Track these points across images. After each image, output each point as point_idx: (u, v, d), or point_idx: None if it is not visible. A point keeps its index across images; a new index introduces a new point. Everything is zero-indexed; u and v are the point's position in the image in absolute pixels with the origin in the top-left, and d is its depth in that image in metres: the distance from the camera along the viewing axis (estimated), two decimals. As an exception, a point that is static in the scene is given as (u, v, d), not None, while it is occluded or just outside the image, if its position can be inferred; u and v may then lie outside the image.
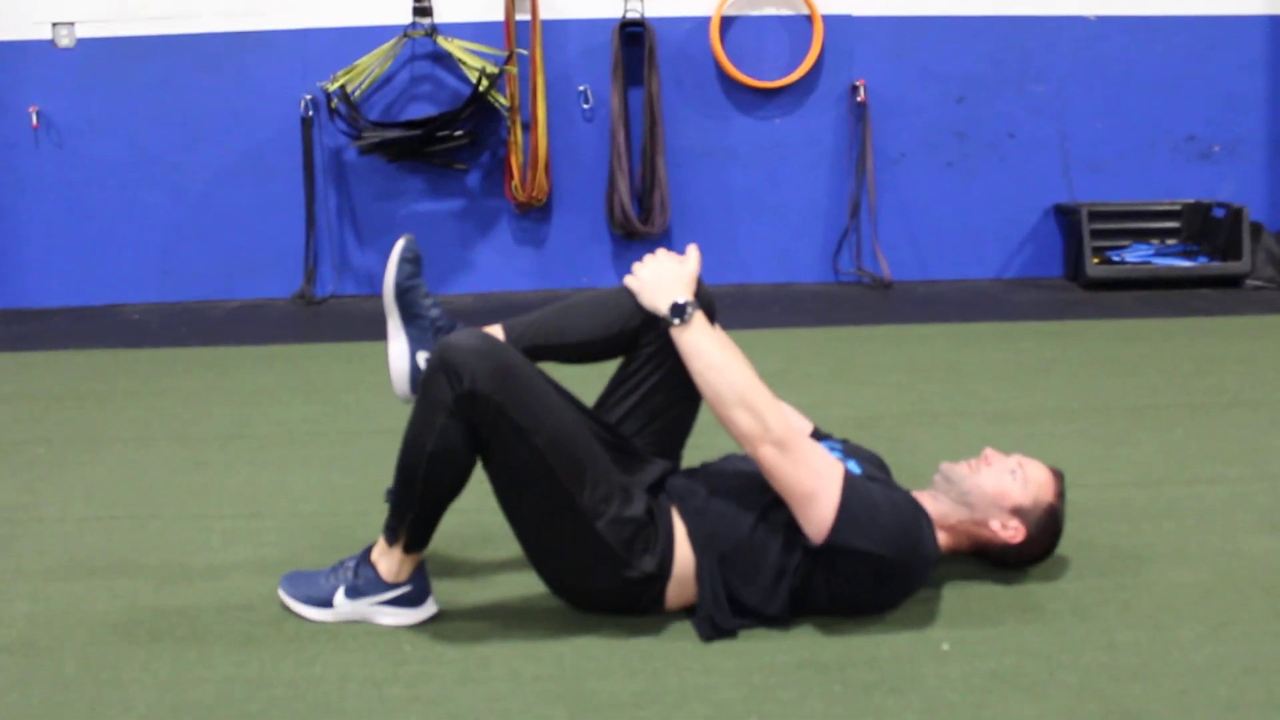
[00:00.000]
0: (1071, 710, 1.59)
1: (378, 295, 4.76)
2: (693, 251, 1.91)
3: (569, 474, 1.72)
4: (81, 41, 4.97)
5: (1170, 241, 5.12)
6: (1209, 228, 5.03)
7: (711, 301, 1.91)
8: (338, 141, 5.00)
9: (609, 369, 2.00)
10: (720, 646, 1.77)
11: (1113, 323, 4.24)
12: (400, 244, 1.88)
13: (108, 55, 4.97)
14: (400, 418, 1.79)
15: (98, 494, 2.56)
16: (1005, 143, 5.16)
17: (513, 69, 4.83)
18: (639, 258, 1.93)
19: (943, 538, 1.90)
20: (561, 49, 4.99)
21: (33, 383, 3.69)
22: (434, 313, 1.91)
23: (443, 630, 1.84)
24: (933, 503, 1.90)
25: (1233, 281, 4.88)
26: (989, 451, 1.95)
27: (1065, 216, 5.16)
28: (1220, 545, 2.14)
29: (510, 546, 1.97)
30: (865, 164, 5.05)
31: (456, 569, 2.07)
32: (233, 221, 5.09)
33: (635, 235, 5.02)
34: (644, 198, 5.01)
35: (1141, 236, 5.11)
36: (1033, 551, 1.94)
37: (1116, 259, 4.98)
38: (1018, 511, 1.89)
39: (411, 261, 1.89)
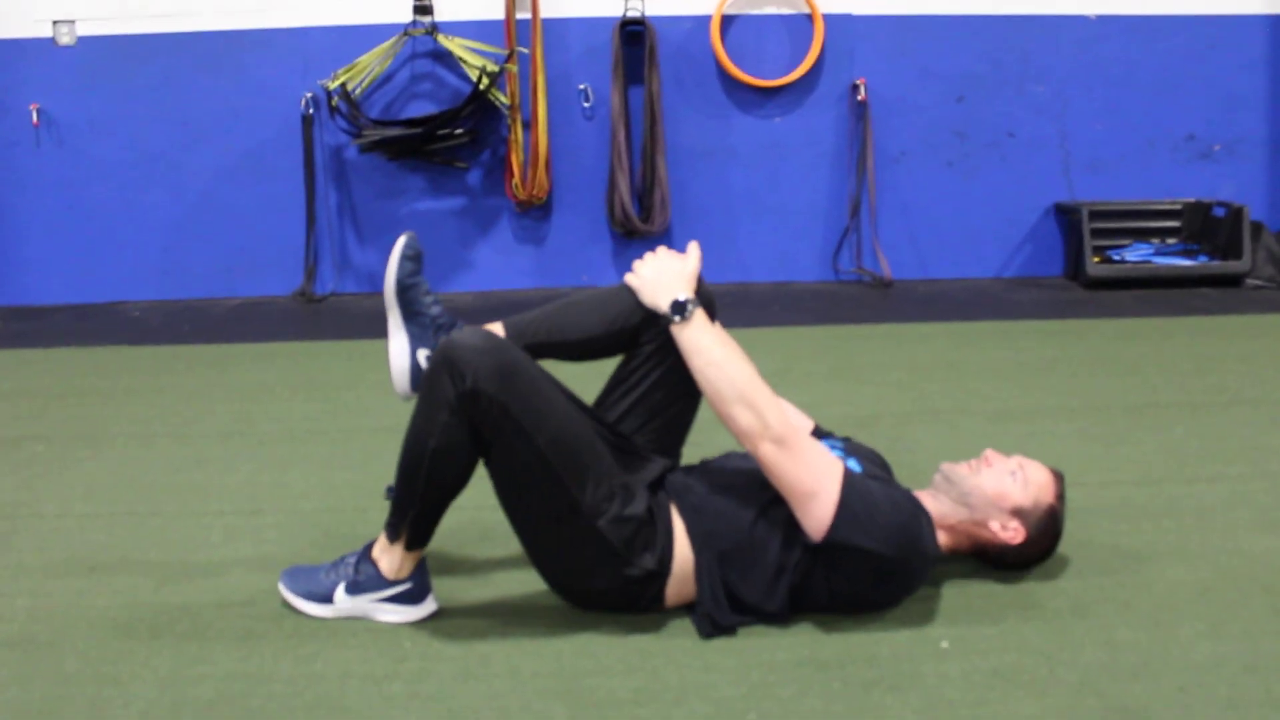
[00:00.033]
0: (1071, 708, 1.59)
1: (378, 293, 4.76)
2: (693, 249, 1.91)
3: (571, 472, 1.72)
4: (82, 39, 4.97)
5: (1170, 241, 5.12)
6: (1209, 227, 5.03)
7: (711, 299, 1.91)
8: (338, 140, 5.01)
9: (608, 367, 2.00)
10: (719, 644, 1.77)
11: (1113, 322, 4.24)
12: (401, 241, 1.88)
13: (108, 53, 4.97)
14: (400, 416, 1.79)
15: (98, 491, 2.57)
16: (1006, 142, 5.16)
17: (513, 67, 4.83)
18: (639, 256, 1.93)
19: (942, 538, 1.90)
20: (562, 47, 4.99)
21: (33, 380, 3.69)
22: (435, 310, 1.91)
23: (443, 627, 1.84)
24: (933, 502, 1.91)
25: (1233, 281, 4.88)
26: (990, 452, 1.95)
27: (1066, 216, 5.16)
28: (1220, 544, 2.14)
29: (510, 544, 1.97)
30: (866, 163, 5.05)
31: (456, 566, 2.08)
32: (233, 219, 5.09)
33: (635, 234, 5.02)
34: (644, 196, 5.01)
35: (1142, 236, 5.11)
36: (1032, 553, 1.94)
37: (1117, 258, 4.98)
38: (1018, 513, 1.89)
39: (413, 259, 1.89)
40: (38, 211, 5.08)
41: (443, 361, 1.69)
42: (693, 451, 2.04)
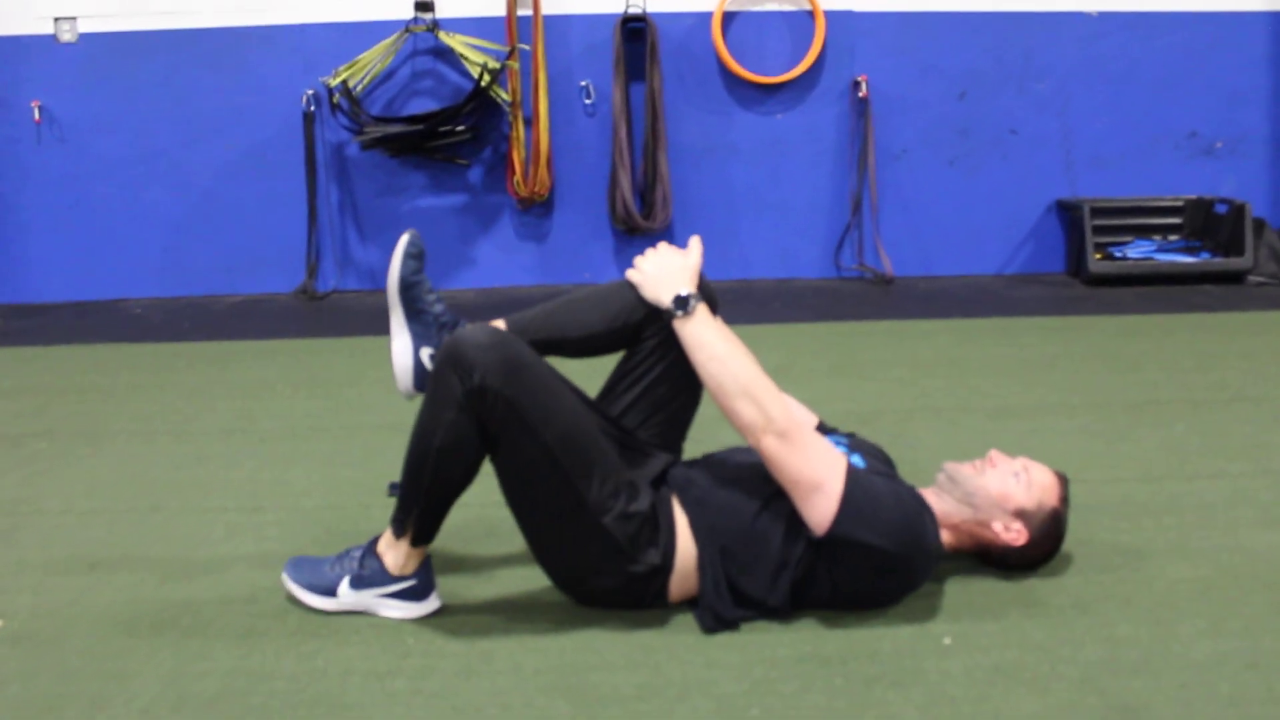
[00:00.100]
0: (1072, 704, 1.59)
1: (379, 290, 4.77)
2: (695, 244, 1.91)
3: (577, 469, 1.72)
4: (84, 36, 4.97)
5: (1172, 237, 5.12)
6: (1211, 224, 5.03)
7: (713, 295, 1.91)
8: (340, 137, 5.01)
9: (610, 363, 2.00)
10: (722, 640, 1.77)
11: (1115, 318, 4.24)
12: (405, 239, 1.88)
13: (110, 50, 4.97)
14: (402, 413, 1.79)
15: (100, 488, 2.57)
16: (1007, 139, 5.16)
17: (514, 64, 4.82)
18: (640, 253, 1.93)
19: (945, 536, 1.90)
20: (563, 44, 4.99)
21: (35, 377, 3.69)
22: (438, 308, 1.90)
23: (445, 624, 1.85)
24: (936, 501, 1.90)
25: (1235, 277, 4.88)
26: (994, 453, 1.94)
27: (1067, 212, 5.15)
28: (1221, 541, 2.14)
29: (513, 541, 1.97)
30: (867, 159, 5.04)
31: (459, 563, 2.08)
32: (235, 216, 5.09)
33: (637, 230, 5.02)
34: (646, 193, 5.01)
35: (1144, 232, 5.11)
36: (1035, 555, 1.94)
37: (1119, 255, 4.98)
38: (1021, 514, 1.89)
39: (416, 257, 1.88)
40: (39, 209, 5.08)
41: (450, 358, 1.69)
42: (694, 447, 2.04)
